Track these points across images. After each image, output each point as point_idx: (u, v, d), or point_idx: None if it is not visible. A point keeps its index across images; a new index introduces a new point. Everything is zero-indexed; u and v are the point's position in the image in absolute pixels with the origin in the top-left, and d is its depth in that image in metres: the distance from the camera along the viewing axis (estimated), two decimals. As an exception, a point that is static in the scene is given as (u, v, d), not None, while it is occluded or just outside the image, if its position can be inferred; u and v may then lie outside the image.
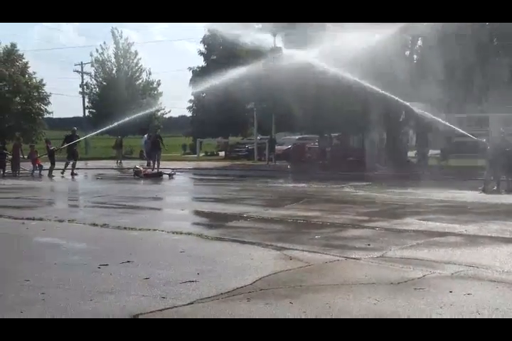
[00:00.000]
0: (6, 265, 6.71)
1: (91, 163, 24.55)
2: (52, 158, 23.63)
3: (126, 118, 25.78)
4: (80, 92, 48.78)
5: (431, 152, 27.15)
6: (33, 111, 40.61)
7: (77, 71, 50.25)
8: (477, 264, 6.51)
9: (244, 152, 37.51)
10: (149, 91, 44.89)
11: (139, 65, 45.15)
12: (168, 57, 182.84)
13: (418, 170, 21.65)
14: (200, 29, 73.19)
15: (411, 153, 28.01)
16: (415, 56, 24.84)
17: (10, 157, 24.11)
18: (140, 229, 8.98)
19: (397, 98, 18.27)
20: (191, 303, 5.06)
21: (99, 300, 5.14)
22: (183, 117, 56.57)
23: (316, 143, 30.98)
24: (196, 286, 5.58)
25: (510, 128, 18.54)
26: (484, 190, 15.14)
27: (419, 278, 5.92)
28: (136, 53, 45.11)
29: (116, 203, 13.25)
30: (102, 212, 11.87)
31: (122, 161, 32.82)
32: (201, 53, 40.25)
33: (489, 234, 8.64)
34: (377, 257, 6.96)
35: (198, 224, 10.79)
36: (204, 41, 39.42)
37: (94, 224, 9.50)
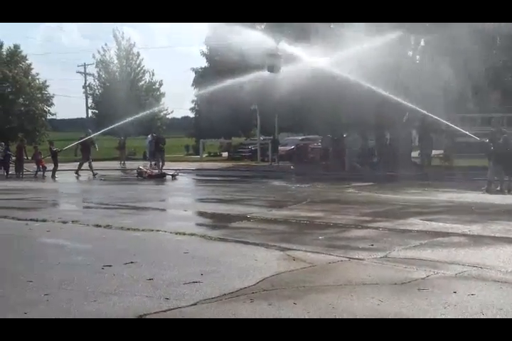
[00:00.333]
0: (10, 265, 6.71)
1: (94, 164, 24.57)
2: (55, 159, 23.68)
3: (129, 119, 25.83)
4: (84, 93, 49.02)
5: (434, 152, 27.12)
6: (36, 113, 40.73)
7: (80, 72, 50.52)
8: (481, 264, 6.49)
9: (247, 153, 37.53)
10: (152, 92, 44.98)
11: (142, 65, 45.27)
12: (171, 59, 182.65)
13: (421, 171, 21.62)
14: (203, 30, 73.38)
15: (414, 154, 27.95)
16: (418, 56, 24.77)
17: (14, 158, 24.17)
18: (143, 230, 8.97)
19: (411, 104, 18.19)
20: (195, 304, 5.05)
21: (102, 301, 5.13)
22: (186, 118, 56.80)
23: (319, 144, 30.93)
24: (200, 287, 5.57)
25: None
26: (487, 190, 15.13)
27: (422, 278, 5.90)
28: (138, 54, 45.25)
29: (119, 204, 13.26)
30: (105, 212, 11.90)
31: (126, 162, 32.90)
32: (203, 54, 40.27)
33: (493, 234, 8.62)
34: (381, 257, 6.95)
35: (201, 224, 10.79)
36: (206, 42, 39.42)
37: (98, 225, 9.50)
